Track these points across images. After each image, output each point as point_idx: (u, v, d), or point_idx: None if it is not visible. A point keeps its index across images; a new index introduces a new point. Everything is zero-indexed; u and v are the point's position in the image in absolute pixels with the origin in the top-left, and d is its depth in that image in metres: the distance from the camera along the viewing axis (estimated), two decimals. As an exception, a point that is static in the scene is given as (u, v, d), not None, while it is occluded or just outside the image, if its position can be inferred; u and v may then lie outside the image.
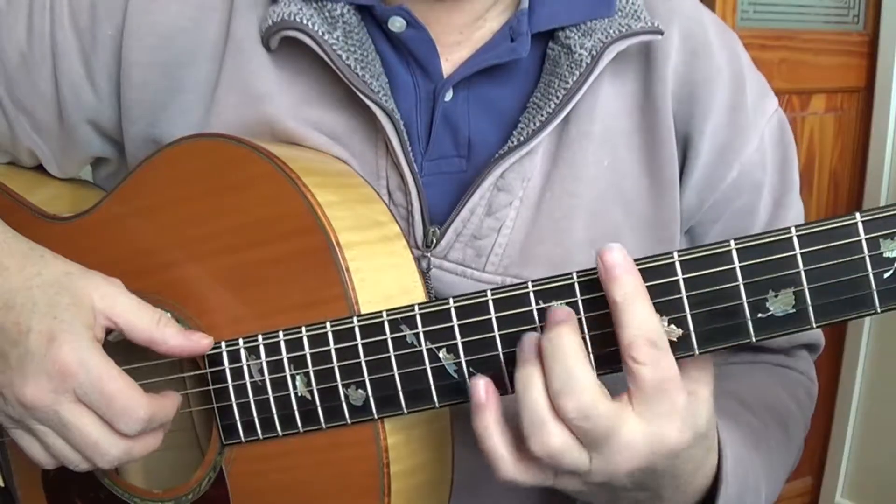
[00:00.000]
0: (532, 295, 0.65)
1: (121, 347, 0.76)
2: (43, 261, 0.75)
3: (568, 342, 0.62)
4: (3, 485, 0.90)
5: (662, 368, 0.61)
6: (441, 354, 0.68)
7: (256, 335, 0.73)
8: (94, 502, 0.84)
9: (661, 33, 0.81)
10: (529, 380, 0.62)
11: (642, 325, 0.61)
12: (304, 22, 0.77)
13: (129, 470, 0.86)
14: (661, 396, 0.62)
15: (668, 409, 0.62)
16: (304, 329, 0.71)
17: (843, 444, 2.37)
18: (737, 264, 0.61)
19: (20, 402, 0.71)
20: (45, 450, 0.74)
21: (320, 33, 0.77)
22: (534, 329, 0.65)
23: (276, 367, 0.73)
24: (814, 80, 2.23)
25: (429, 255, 0.81)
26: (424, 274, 0.80)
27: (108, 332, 0.74)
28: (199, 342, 0.74)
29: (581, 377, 0.61)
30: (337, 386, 0.71)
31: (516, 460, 0.64)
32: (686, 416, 0.63)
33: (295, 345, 0.72)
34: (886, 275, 0.59)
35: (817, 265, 0.60)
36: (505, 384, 0.67)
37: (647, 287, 0.62)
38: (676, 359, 0.63)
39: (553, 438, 0.62)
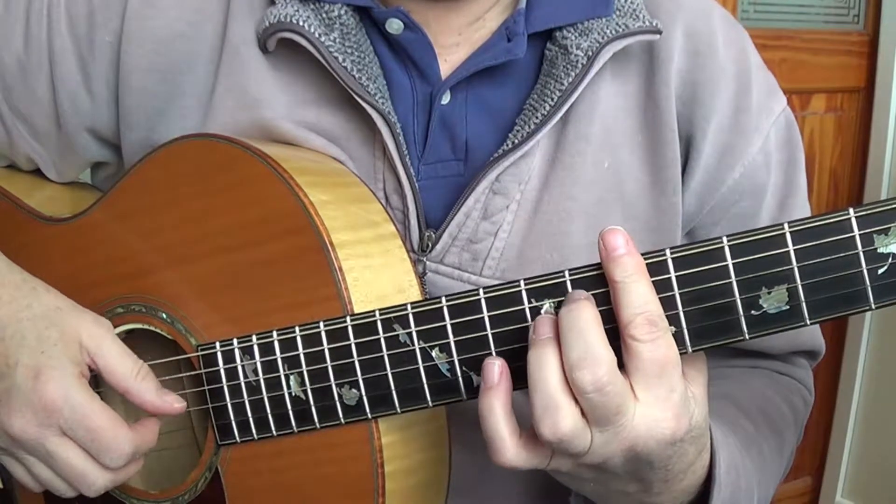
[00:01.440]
0: (524, 293, 0.65)
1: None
2: (34, 293, 0.75)
3: (587, 315, 0.61)
4: (2, 486, 0.90)
5: (661, 347, 0.61)
6: (434, 353, 0.68)
7: (250, 335, 0.73)
8: (92, 503, 0.84)
9: (660, 32, 0.80)
10: (544, 359, 0.61)
11: (642, 305, 0.61)
12: (301, 23, 0.77)
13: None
14: (659, 377, 0.61)
15: (666, 393, 0.62)
16: (297, 329, 0.71)
17: (843, 444, 2.37)
18: (729, 261, 0.61)
19: (7, 433, 0.72)
20: (31, 476, 0.75)
21: (317, 35, 0.77)
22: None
23: (270, 367, 0.73)
24: (814, 79, 2.23)
25: (424, 259, 0.80)
26: (420, 279, 0.80)
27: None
28: (172, 405, 0.75)
29: (599, 350, 0.60)
30: (330, 385, 0.71)
31: (516, 445, 0.64)
32: (682, 404, 0.63)
33: (288, 345, 0.72)
34: (881, 270, 0.59)
35: (811, 261, 0.59)
36: None
37: None
38: None
39: (565, 421, 0.60)
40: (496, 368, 0.63)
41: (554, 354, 0.61)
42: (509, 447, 0.64)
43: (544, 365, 0.61)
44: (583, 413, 0.61)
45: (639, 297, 0.61)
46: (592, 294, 0.63)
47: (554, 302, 0.64)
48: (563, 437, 0.61)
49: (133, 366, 0.74)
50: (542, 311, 0.64)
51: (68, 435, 0.72)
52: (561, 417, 0.60)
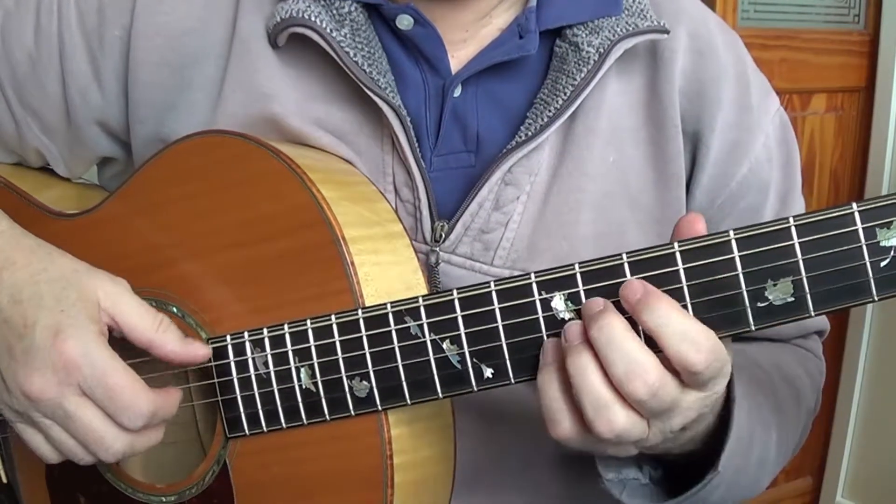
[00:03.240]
0: (535, 286, 0.66)
1: (125, 341, 0.76)
2: (50, 257, 0.76)
3: (618, 327, 0.62)
4: (5, 480, 0.91)
5: (714, 357, 0.62)
6: (445, 345, 0.68)
7: (261, 328, 0.74)
8: (97, 497, 0.84)
9: (667, 32, 0.82)
10: (585, 366, 0.62)
11: (680, 334, 0.61)
12: (313, 19, 0.78)
13: (129, 464, 0.86)
14: (714, 373, 0.63)
15: (720, 377, 0.64)
16: (308, 321, 0.72)
17: (844, 444, 2.37)
18: (736, 254, 0.62)
19: (25, 394, 0.72)
20: (48, 443, 0.75)
21: (328, 30, 0.78)
22: (546, 320, 0.66)
23: (280, 359, 0.73)
24: (814, 79, 2.23)
25: (437, 249, 0.81)
26: (433, 269, 0.81)
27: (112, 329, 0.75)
28: (197, 351, 0.75)
29: (643, 359, 0.61)
30: (341, 377, 0.71)
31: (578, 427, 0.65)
32: (727, 365, 0.64)
33: (300, 337, 0.72)
34: (883, 263, 0.60)
35: (815, 254, 0.60)
36: (508, 374, 0.68)
37: (647, 277, 0.63)
38: None
39: (619, 418, 0.62)
40: (549, 345, 0.65)
41: (590, 357, 0.62)
42: (568, 427, 0.65)
43: (584, 368, 0.62)
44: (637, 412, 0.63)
45: (677, 330, 0.61)
46: (597, 288, 0.64)
47: (564, 294, 0.65)
48: (620, 432, 0.62)
49: (153, 319, 0.74)
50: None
51: (87, 395, 0.71)
52: (613, 414, 0.62)
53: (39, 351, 0.71)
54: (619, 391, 0.62)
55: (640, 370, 0.61)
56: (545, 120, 0.79)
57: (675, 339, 0.61)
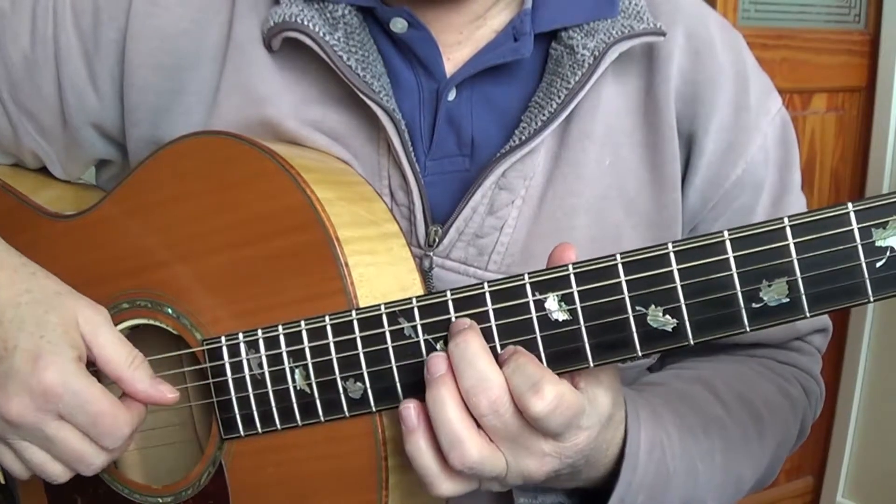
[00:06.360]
0: (528, 287, 0.66)
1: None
2: (34, 278, 0.76)
3: (474, 345, 0.65)
4: (3, 481, 0.91)
5: (557, 406, 0.64)
6: (438, 346, 0.68)
7: (256, 329, 0.74)
8: (94, 498, 0.84)
9: (664, 35, 0.81)
10: (440, 397, 0.65)
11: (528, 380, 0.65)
12: (306, 23, 0.78)
13: (126, 465, 0.86)
14: (564, 425, 0.65)
15: (574, 429, 0.67)
16: (303, 323, 0.72)
17: (844, 444, 2.38)
18: (730, 254, 0.61)
19: (3, 417, 0.72)
20: (21, 463, 0.75)
21: (321, 34, 0.77)
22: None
23: (275, 360, 0.73)
24: (815, 79, 2.23)
25: (431, 254, 0.81)
26: (427, 273, 0.81)
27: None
28: (165, 395, 0.75)
29: (490, 375, 0.64)
30: (335, 379, 0.71)
31: (447, 476, 0.67)
32: (587, 425, 0.67)
33: (294, 338, 0.72)
34: (879, 264, 0.59)
35: (810, 255, 0.60)
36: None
37: (641, 278, 0.63)
38: (671, 349, 0.64)
39: (471, 452, 0.65)
40: (412, 412, 0.67)
41: (449, 390, 0.65)
42: (443, 480, 0.67)
43: (443, 402, 0.65)
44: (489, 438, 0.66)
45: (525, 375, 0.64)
46: (592, 288, 0.64)
47: (558, 295, 0.65)
48: (472, 465, 0.65)
49: (127, 354, 0.75)
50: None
51: (66, 419, 0.72)
52: (466, 449, 0.65)
53: (18, 375, 0.72)
54: (467, 404, 0.65)
55: (485, 385, 0.64)
56: (540, 124, 0.79)
57: (519, 381, 0.64)
